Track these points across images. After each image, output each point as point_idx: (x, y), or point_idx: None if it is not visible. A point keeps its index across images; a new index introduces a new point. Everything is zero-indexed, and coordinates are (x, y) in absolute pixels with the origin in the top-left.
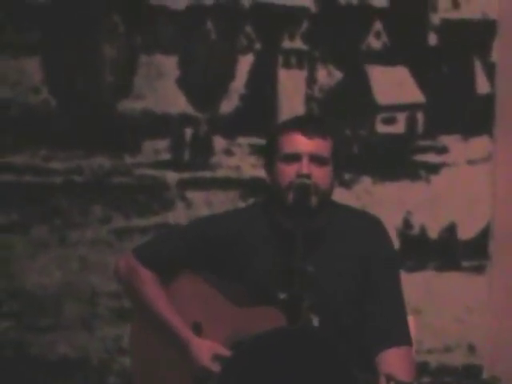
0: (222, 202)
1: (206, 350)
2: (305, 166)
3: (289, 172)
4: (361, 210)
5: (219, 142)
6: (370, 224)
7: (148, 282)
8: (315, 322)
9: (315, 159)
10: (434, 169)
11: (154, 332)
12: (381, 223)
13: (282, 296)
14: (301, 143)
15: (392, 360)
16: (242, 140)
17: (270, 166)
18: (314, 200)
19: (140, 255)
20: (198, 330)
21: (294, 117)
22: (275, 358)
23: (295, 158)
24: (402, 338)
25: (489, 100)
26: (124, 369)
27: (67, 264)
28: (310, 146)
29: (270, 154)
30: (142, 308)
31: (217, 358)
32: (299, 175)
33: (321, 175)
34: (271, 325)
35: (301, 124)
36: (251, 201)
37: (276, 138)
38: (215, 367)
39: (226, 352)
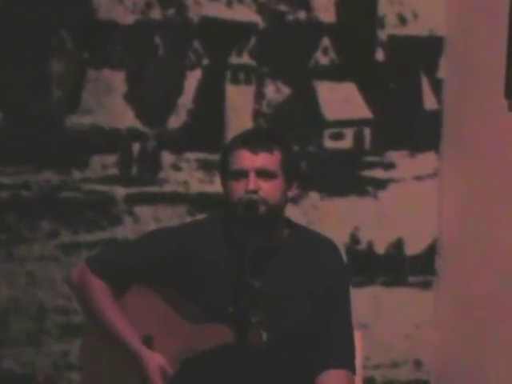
0: (170, 217)
1: (156, 364)
2: (251, 182)
3: (238, 188)
4: (318, 233)
5: (167, 157)
6: (326, 247)
7: (100, 292)
8: (264, 337)
9: (262, 173)
10: (381, 184)
11: (105, 345)
12: (336, 247)
13: (230, 311)
14: (246, 159)
15: (329, 382)
16: (190, 155)
17: (223, 184)
18: (262, 212)
19: (94, 265)
20: (148, 343)
21: (242, 133)
22: (220, 374)
23: (242, 174)
24: (344, 362)
25: (436, 116)
26: None
27: (14, 279)
28: (256, 161)
29: (222, 172)
30: (93, 319)
31: (164, 374)
32: (246, 191)
33: (269, 189)
34: (221, 341)
35: (246, 140)
36: (199, 216)
37: (226, 156)
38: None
39: (170, 371)
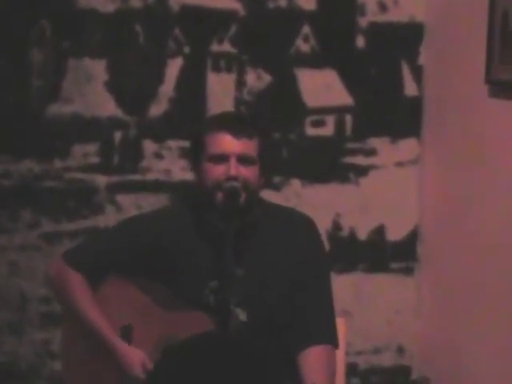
0: (152, 205)
1: (137, 360)
2: (233, 168)
3: (216, 172)
4: (291, 209)
5: (149, 146)
6: (301, 223)
7: (77, 285)
8: (243, 316)
9: (242, 159)
10: (363, 171)
11: (85, 336)
12: (312, 222)
13: (211, 299)
14: (228, 144)
15: (310, 359)
16: (172, 143)
17: (196, 166)
18: (242, 198)
19: (70, 259)
20: (128, 333)
21: (220, 115)
22: (201, 363)
23: (223, 158)
24: (324, 337)
25: (416, 103)
26: (53, 373)
27: None
28: (238, 146)
29: (196, 153)
30: (71, 312)
31: (145, 369)
32: (228, 178)
33: (249, 174)
34: (200, 329)
35: (228, 124)
36: (172, 203)
37: (202, 137)
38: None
39: (150, 366)
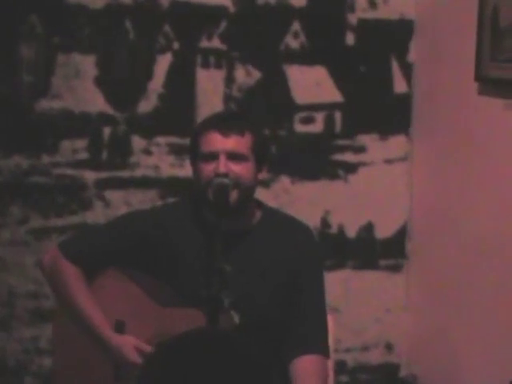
0: (141, 201)
1: (130, 346)
2: (222, 165)
3: (207, 170)
4: (291, 216)
5: (138, 142)
6: (298, 230)
7: (72, 277)
8: (236, 319)
9: (233, 156)
10: (352, 168)
11: (77, 329)
12: (309, 230)
13: (202, 296)
14: (217, 142)
15: (302, 368)
16: (161, 139)
17: (193, 166)
18: (234, 195)
19: (65, 250)
20: (121, 328)
21: (213, 115)
22: (192, 359)
23: (213, 156)
24: (317, 347)
25: (406, 100)
26: (41, 369)
27: None
28: (227, 143)
29: (192, 154)
30: (64, 304)
31: (140, 353)
32: (217, 174)
33: (240, 171)
34: (193, 325)
35: (217, 122)
36: (171, 200)
37: (196, 138)
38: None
39: (148, 348)
